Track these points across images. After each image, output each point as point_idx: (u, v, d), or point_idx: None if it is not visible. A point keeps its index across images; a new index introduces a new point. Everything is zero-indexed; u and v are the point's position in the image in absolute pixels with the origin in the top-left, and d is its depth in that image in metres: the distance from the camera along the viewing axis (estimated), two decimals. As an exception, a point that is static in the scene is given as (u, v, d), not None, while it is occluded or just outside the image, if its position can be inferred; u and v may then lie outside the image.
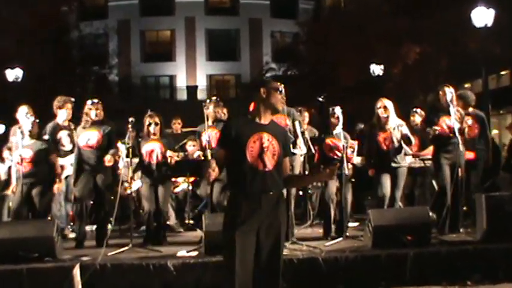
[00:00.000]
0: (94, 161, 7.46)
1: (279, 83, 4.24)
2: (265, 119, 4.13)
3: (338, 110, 7.74)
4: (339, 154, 7.56)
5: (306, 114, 9.45)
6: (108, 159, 7.30)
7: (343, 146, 7.46)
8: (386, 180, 7.37)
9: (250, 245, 3.91)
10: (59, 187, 7.64)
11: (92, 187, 7.46)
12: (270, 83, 4.27)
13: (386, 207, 7.29)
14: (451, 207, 7.29)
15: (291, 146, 4.26)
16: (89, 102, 7.59)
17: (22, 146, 7.20)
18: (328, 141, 7.76)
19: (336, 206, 7.77)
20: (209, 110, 7.72)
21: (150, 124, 7.54)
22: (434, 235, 6.88)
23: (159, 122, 7.56)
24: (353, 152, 8.50)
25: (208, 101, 7.87)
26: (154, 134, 7.53)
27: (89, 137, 7.49)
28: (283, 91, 4.27)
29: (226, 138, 4.06)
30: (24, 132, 7.35)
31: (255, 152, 3.99)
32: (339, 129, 7.71)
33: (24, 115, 7.64)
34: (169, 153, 7.40)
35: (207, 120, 7.54)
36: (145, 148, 7.52)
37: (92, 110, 7.53)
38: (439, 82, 7.53)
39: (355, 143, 8.64)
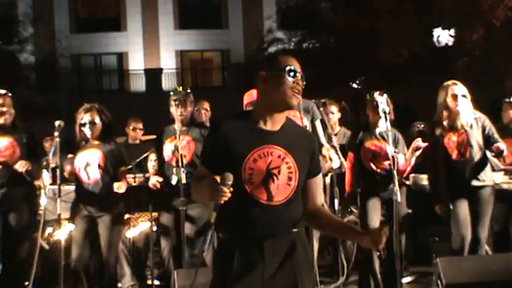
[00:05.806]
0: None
1: (292, 59, 4.12)
2: (274, 122, 4.04)
3: (381, 98, 7.74)
4: (387, 165, 7.55)
5: (334, 108, 9.52)
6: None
7: (392, 153, 7.40)
8: (464, 209, 7.37)
9: None
10: None
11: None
12: (275, 61, 4.11)
13: (467, 253, 7.27)
14: None
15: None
16: None
17: None
18: (369, 144, 7.76)
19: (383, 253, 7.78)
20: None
21: (84, 124, 7.54)
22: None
23: (99, 121, 7.57)
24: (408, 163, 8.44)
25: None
26: (93, 139, 7.56)
27: None
28: (299, 74, 4.14)
29: (213, 151, 4.00)
30: None
31: (257, 177, 3.93)
32: (383, 126, 7.70)
33: None
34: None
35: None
36: (78, 161, 7.53)
37: None
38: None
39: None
